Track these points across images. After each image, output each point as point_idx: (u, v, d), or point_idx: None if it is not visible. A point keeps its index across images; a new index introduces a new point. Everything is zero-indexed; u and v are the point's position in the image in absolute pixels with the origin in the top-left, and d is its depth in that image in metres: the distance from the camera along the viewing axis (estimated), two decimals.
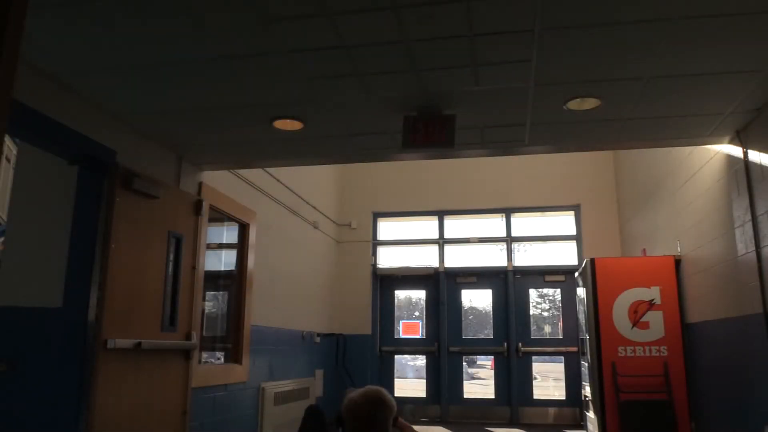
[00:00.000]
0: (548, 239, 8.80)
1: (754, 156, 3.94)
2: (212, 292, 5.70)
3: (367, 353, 8.43)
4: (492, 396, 8.49)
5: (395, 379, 8.67)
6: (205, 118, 4.02)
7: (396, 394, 8.37)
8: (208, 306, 5.48)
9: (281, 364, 6.46)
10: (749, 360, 4.05)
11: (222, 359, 5.61)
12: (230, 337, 5.60)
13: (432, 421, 8.16)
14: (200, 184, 4.94)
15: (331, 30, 2.87)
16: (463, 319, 8.85)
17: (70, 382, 3.54)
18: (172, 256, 4.39)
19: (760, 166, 3.84)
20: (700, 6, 2.67)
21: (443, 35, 2.94)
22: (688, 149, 5.12)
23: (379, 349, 8.64)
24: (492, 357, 8.70)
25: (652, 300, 5.60)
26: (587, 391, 6.54)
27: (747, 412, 4.12)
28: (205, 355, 5.24)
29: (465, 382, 8.76)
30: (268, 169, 6.20)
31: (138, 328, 3.98)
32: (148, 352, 4.05)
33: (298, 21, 2.79)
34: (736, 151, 4.17)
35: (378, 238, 9.11)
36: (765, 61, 3.17)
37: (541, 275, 8.69)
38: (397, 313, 9.00)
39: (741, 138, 4.10)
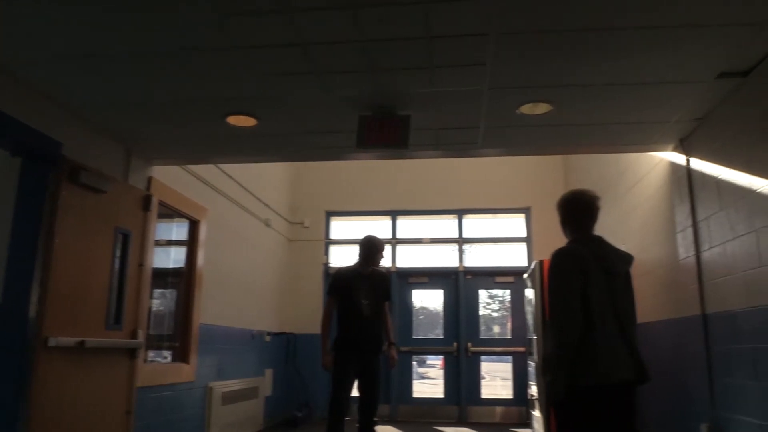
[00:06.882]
0: (499, 241, 8.94)
1: (696, 164, 4.09)
2: (160, 290, 5.58)
3: (317, 352, 8.33)
4: (441, 395, 8.57)
5: None
6: (157, 111, 3.94)
7: None
8: (156, 304, 5.37)
9: (230, 363, 6.38)
10: (687, 361, 4.20)
11: (169, 358, 5.50)
12: (178, 335, 5.49)
13: (381, 421, 8.17)
14: (150, 179, 4.83)
15: (289, 26, 2.84)
16: (413, 318, 8.91)
17: (7, 381, 3.41)
18: (118, 253, 4.29)
19: (702, 174, 3.98)
20: (649, 17, 2.75)
21: (400, 36, 2.94)
22: (634, 155, 5.27)
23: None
24: (442, 356, 8.78)
25: None
26: (533, 390, 6.66)
27: (685, 412, 4.27)
28: (151, 354, 5.13)
29: (414, 382, 8.82)
30: (220, 165, 6.11)
31: (81, 326, 3.86)
32: (92, 351, 3.93)
33: (256, 16, 2.76)
34: (680, 158, 4.32)
35: (330, 237, 9.09)
36: (707, 71, 3.29)
37: (491, 276, 8.81)
38: None
39: (684, 146, 4.24)
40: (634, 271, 3.35)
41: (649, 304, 4.88)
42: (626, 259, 3.28)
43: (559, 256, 3.20)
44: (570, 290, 3.05)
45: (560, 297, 3.09)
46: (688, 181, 4.17)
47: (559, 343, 3.03)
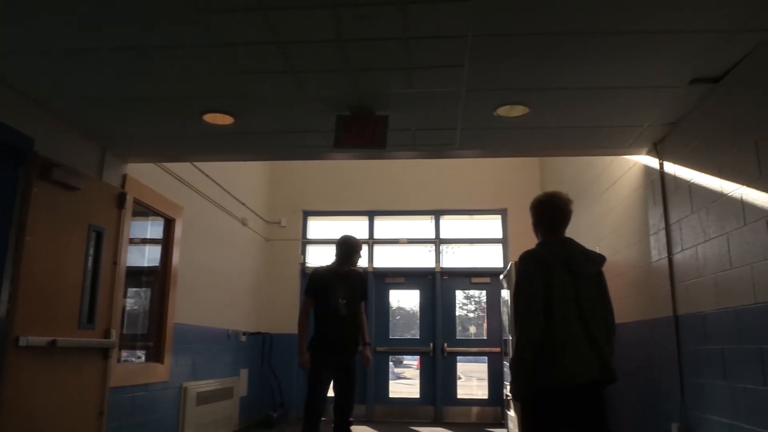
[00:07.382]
0: (475, 242, 8.99)
1: (669, 167, 4.15)
2: (134, 289, 5.52)
3: (293, 352, 8.29)
4: (417, 395, 8.59)
5: None
6: (132, 108, 3.89)
7: None
8: (130, 303, 5.31)
9: (205, 363, 6.32)
10: (659, 361, 4.26)
11: (143, 358, 5.44)
12: (152, 335, 5.44)
13: (357, 421, 8.17)
14: (124, 177, 4.78)
15: (267, 25, 2.83)
16: (390, 319, 8.91)
17: None
18: (92, 251, 4.23)
19: (674, 178, 4.05)
20: (624, 22, 2.79)
21: (378, 36, 2.95)
22: (609, 158, 5.34)
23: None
24: (418, 357, 8.81)
25: None
26: (509, 390, 6.71)
27: (656, 412, 4.33)
28: (125, 353, 5.07)
29: (391, 382, 8.83)
30: (196, 163, 6.06)
31: (53, 325, 3.81)
32: (64, 350, 3.88)
33: (234, 13, 2.74)
34: (653, 162, 4.38)
35: (308, 237, 9.06)
36: (680, 77, 3.35)
37: (467, 277, 8.86)
38: None
39: (658, 150, 4.31)
40: (608, 272, 3.39)
41: (622, 305, 4.94)
42: (596, 260, 3.32)
43: (522, 259, 3.27)
44: (531, 292, 3.11)
45: (521, 299, 3.16)
46: (661, 185, 4.24)
47: (521, 344, 3.08)
